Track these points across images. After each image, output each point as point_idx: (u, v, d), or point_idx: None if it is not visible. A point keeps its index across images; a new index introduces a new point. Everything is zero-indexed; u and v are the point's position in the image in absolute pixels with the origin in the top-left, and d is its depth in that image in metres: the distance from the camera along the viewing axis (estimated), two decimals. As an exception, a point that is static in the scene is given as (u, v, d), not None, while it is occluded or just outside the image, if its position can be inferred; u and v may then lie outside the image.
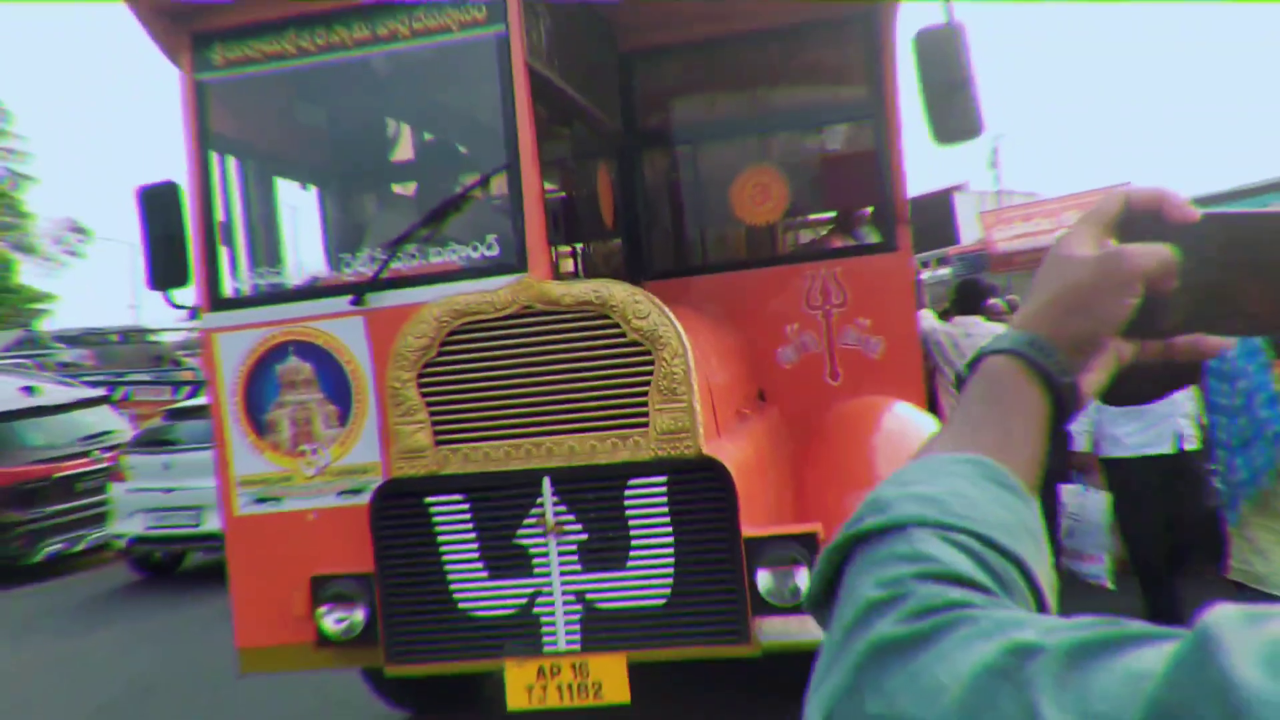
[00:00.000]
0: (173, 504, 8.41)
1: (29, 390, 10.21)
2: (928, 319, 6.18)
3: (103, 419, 10.47)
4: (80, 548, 9.71)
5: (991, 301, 7.18)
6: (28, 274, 32.98)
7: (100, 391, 11.73)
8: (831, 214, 6.10)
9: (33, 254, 32.37)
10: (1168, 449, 4.94)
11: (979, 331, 5.87)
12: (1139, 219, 0.74)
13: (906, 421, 4.65)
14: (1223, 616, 0.44)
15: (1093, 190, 20.41)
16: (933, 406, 5.72)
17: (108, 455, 10.03)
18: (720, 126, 5.38)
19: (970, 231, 26.42)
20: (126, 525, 8.76)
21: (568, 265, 5.79)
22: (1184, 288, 0.72)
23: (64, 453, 9.73)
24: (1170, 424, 4.96)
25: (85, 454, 9.82)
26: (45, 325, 39.45)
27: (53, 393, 10.59)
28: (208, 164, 3.88)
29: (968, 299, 6.21)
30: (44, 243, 32.92)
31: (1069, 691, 0.45)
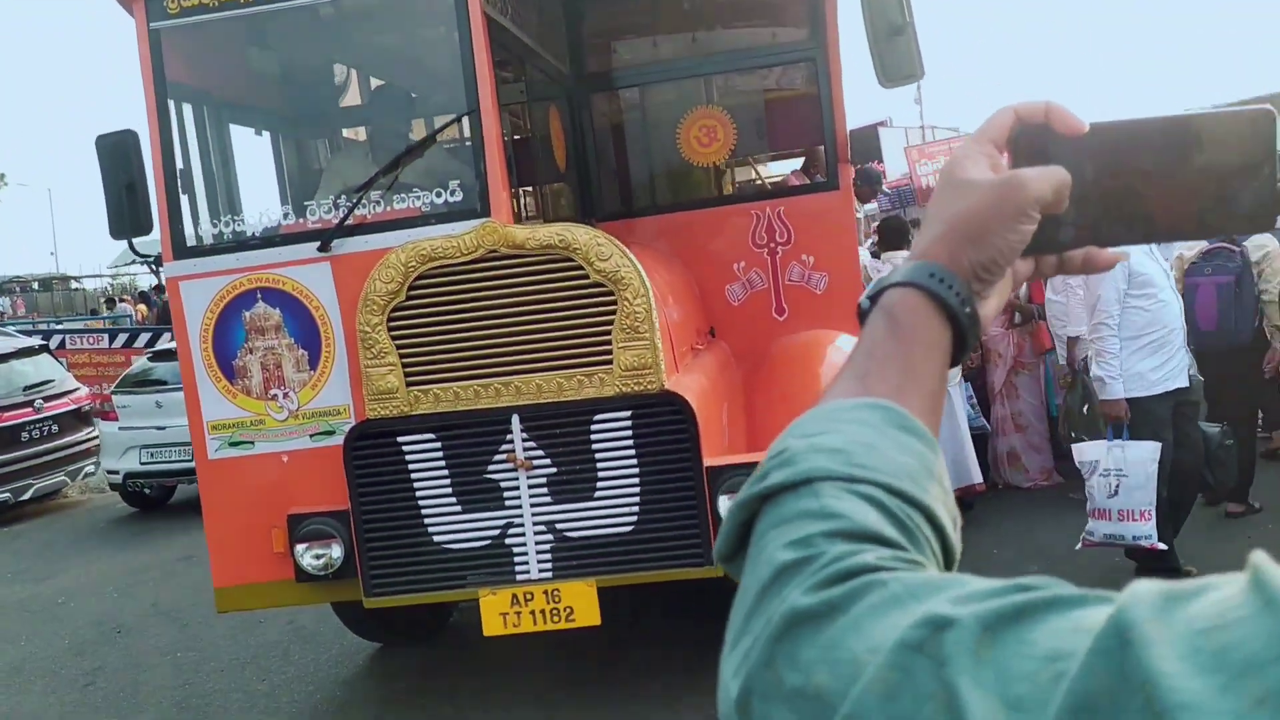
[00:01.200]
0: (165, 440, 8.64)
1: (-35, 341, 10.02)
2: (862, 255, 6.40)
3: (42, 368, 10.31)
4: (27, 496, 9.64)
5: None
6: (-59, 220, 31.86)
7: (38, 340, 11.52)
8: (785, 154, 6.27)
9: (-54, 199, 31.18)
10: (1184, 382, 4.74)
11: (909, 265, 6.12)
12: (1029, 134, 0.73)
13: (849, 352, 4.88)
14: (1140, 599, 0.43)
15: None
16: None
17: (49, 404, 9.93)
18: (666, 69, 5.48)
19: (896, 166, 26.82)
20: (119, 463, 9.03)
21: (522, 207, 5.88)
22: (1075, 200, 0.72)
23: (6, 403, 9.59)
24: (1184, 355, 4.83)
25: (29, 404, 9.70)
26: (-39, 274, 38.18)
27: (-11, 342, 10.41)
28: (166, 111, 3.89)
29: (894, 235, 6.45)
30: (-43, 188, 31.74)
31: (987, 669, 0.44)
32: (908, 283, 0.69)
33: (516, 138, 5.30)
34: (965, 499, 6.02)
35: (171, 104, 3.96)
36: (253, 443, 3.93)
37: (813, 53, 5.01)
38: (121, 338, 13.98)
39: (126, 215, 3.97)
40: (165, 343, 12.39)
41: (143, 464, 8.94)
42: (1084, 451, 4.73)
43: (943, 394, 0.68)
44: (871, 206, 27.21)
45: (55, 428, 9.91)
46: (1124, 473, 4.52)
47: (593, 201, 5.31)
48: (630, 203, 5.56)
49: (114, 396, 9.46)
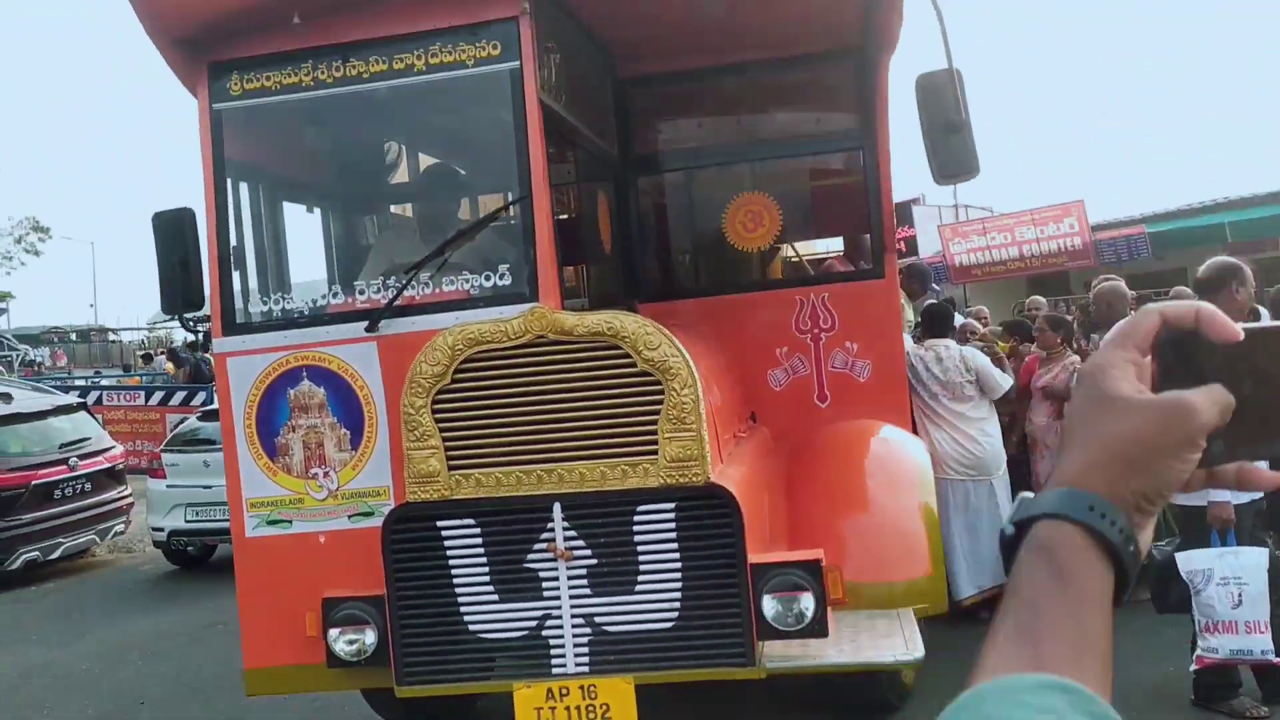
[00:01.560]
0: (211, 500, 8.69)
1: (5, 397, 10.12)
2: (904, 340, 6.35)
3: (79, 426, 10.39)
4: (56, 555, 9.64)
5: (964, 323, 7.37)
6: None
7: (75, 398, 11.64)
8: (834, 240, 6.28)
9: (-8, 252, 31.87)
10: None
11: (951, 355, 6.04)
12: (1176, 339, 0.69)
13: (893, 445, 4.81)
14: None
15: (1046, 206, 20.86)
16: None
17: (84, 462, 9.98)
18: (714, 153, 5.51)
19: (929, 243, 26.85)
20: (165, 520, 9.14)
21: (564, 286, 5.90)
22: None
23: (41, 460, 9.65)
24: None
25: (63, 461, 9.76)
26: (1, 323, 38.88)
27: (28, 399, 10.50)
28: (224, 190, 3.94)
29: (937, 322, 6.38)
30: (3, 242, 32.45)
31: None
32: (1063, 516, 0.64)
33: (563, 217, 5.33)
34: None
35: (229, 182, 4.01)
36: (290, 522, 3.90)
37: (861, 141, 5.03)
38: (158, 395, 14.11)
39: (180, 291, 4.00)
40: (202, 401, 12.54)
41: (188, 522, 9.05)
42: (1193, 560, 4.39)
43: (1112, 654, 0.63)
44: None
45: (88, 486, 9.95)
46: (1244, 580, 4.25)
47: (637, 282, 5.32)
48: (674, 284, 5.56)
49: (163, 454, 9.63)
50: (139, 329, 41.12)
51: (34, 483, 9.43)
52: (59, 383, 17.04)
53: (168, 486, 9.22)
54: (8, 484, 9.29)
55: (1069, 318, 8.43)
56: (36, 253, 33.25)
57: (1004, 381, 6.02)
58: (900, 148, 4.93)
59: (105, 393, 14.43)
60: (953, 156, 3.86)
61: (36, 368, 30.83)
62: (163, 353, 28.03)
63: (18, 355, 30.38)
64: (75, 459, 9.89)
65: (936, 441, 5.91)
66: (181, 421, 13.60)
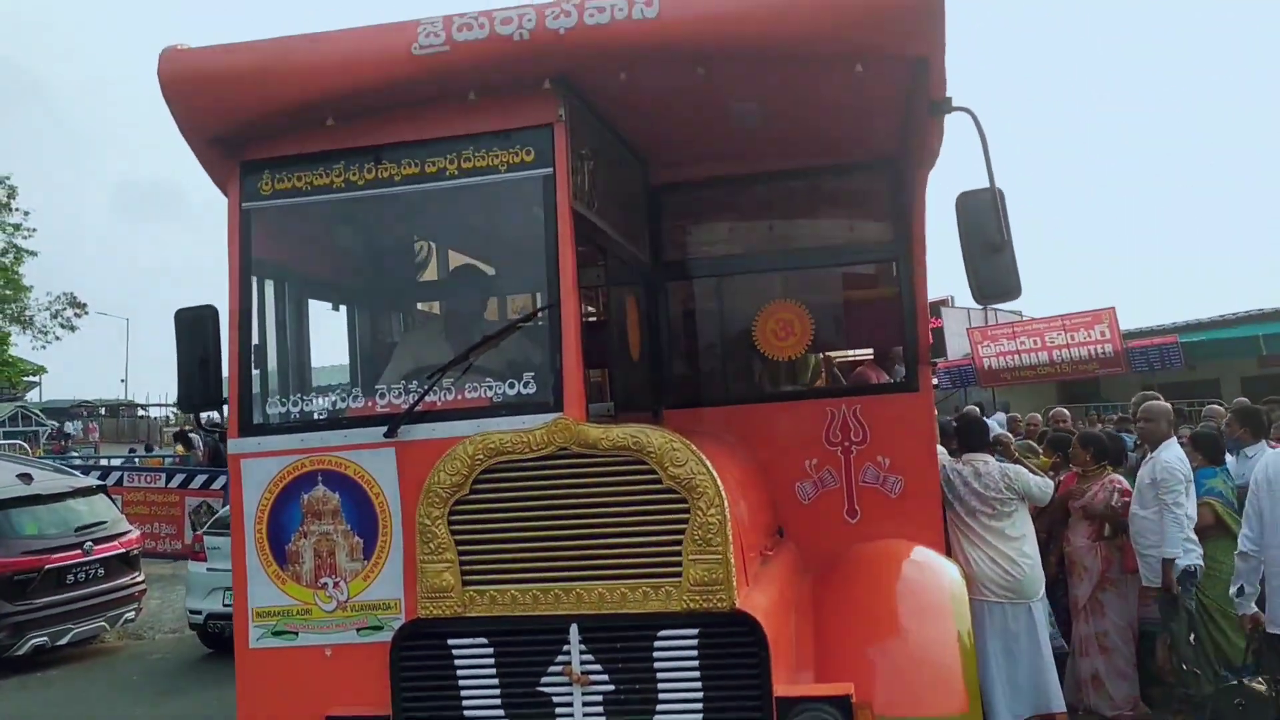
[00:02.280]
0: None
1: (26, 478, 10.08)
2: (940, 455, 6.18)
3: (97, 509, 10.33)
4: (65, 641, 9.48)
5: (998, 434, 7.19)
6: (19, 347, 32.88)
7: (95, 480, 11.59)
8: (864, 351, 6.17)
9: (28, 328, 32.28)
10: None
11: (990, 470, 5.87)
12: None
13: (926, 568, 4.61)
14: None
15: (1077, 313, 20.77)
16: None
17: (99, 547, 9.88)
18: (746, 260, 5.44)
19: (958, 345, 26.73)
20: (203, 603, 9.16)
21: (591, 387, 5.81)
22: None
23: (56, 544, 9.57)
24: None
25: (78, 546, 9.66)
26: (33, 397, 39.29)
27: (48, 480, 10.46)
28: (249, 290, 3.89)
29: (973, 435, 6.21)
30: (41, 316, 32.89)
31: None
32: None
33: (592, 321, 5.26)
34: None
35: (254, 280, 3.97)
36: (297, 634, 3.75)
37: (896, 252, 4.95)
38: (178, 478, 14.06)
39: (199, 389, 3.93)
40: (222, 485, 12.48)
41: (225, 605, 8.95)
42: None
43: None
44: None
45: (102, 571, 9.84)
46: None
47: (665, 388, 5.21)
48: (703, 391, 5.45)
49: (205, 537, 9.61)
50: (166, 405, 41.40)
51: (47, 566, 9.34)
52: (83, 460, 17.06)
53: (208, 569, 9.20)
54: (21, 567, 9.20)
55: (1100, 429, 8.24)
56: (72, 328, 33.64)
57: (1046, 486, 5.87)
58: (930, 247, 4.86)
59: (126, 473, 14.39)
60: (994, 277, 3.76)
61: (68, 441, 31.03)
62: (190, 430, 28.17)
63: (44, 430, 30.59)
64: (90, 543, 9.79)
65: (973, 561, 5.70)
66: (201, 505, 13.55)
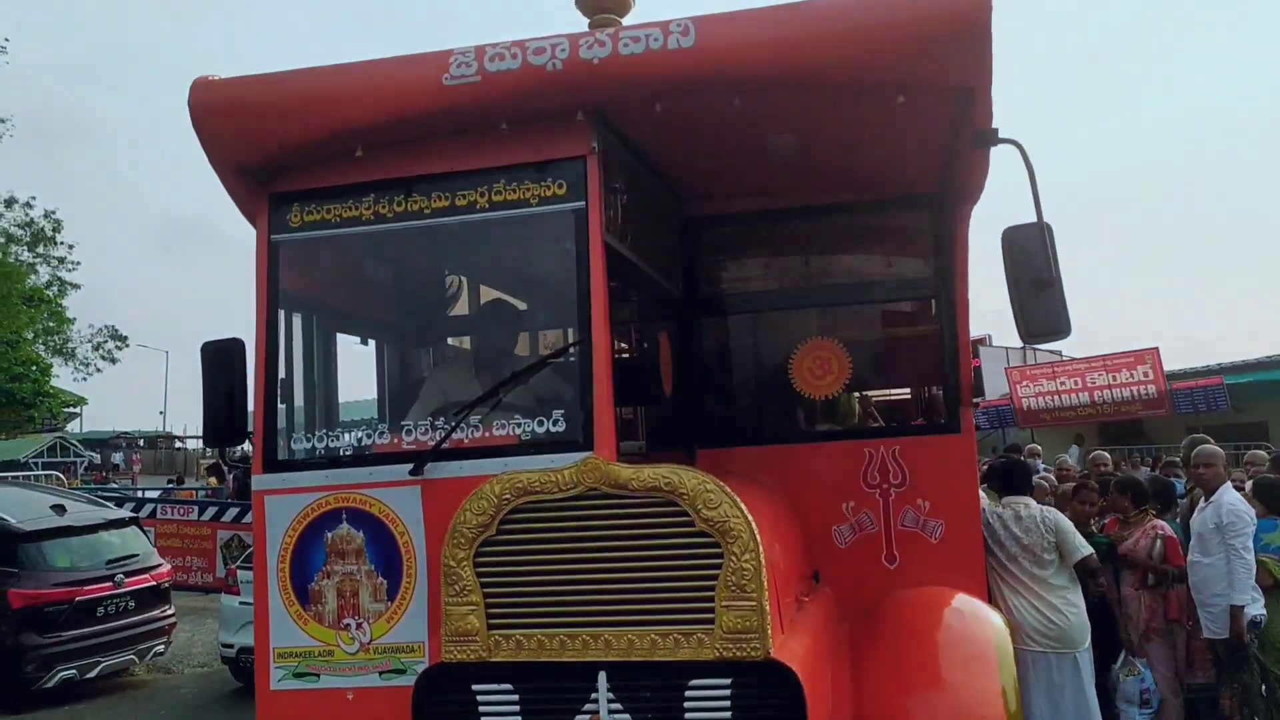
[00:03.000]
0: None
1: (59, 509, 10.11)
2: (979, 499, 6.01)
3: (129, 542, 10.33)
4: (93, 674, 9.44)
5: (1040, 478, 6.99)
6: (61, 378, 33.37)
7: (128, 512, 11.62)
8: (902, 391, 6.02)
9: (70, 359, 32.78)
10: None
11: (1031, 514, 5.68)
12: None
13: (969, 617, 4.43)
14: None
15: (1119, 353, 20.43)
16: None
17: (130, 579, 9.87)
18: (782, 296, 5.34)
19: (996, 385, 26.41)
20: (235, 636, 9.08)
21: (622, 424, 5.71)
22: None
23: (87, 576, 9.57)
24: None
25: (110, 578, 9.65)
26: (73, 428, 39.81)
27: (81, 511, 10.49)
28: (275, 323, 3.84)
29: (1013, 479, 6.03)
30: (83, 348, 33.39)
31: None
32: None
33: (623, 358, 5.17)
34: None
35: (282, 313, 3.92)
36: (318, 675, 3.65)
37: (937, 290, 4.82)
38: (210, 511, 14.08)
39: (224, 423, 3.87)
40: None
41: None
42: None
43: None
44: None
45: (132, 604, 9.82)
46: None
47: (698, 427, 5.10)
48: (737, 430, 5.33)
49: (238, 571, 9.58)
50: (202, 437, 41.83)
51: (78, 599, 9.33)
52: (120, 491, 17.15)
53: (240, 603, 9.15)
54: (52, 599, 9.20)
55: (1143, 476, 8.01)
56: (113, 360, 34.11)
57: (1082, 548, 5.62)
58: (987, 298, 4.73)
59: (160, 506, 14.45)
60: (1041, 315, 3.63)
61: (113, 472, 31.37)
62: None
63: (82, 461, 30.93)
64: (121, 575, 9.78)
65: (1015, 609, 5.50)
66: (232, 538, 13.56)
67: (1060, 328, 3.64)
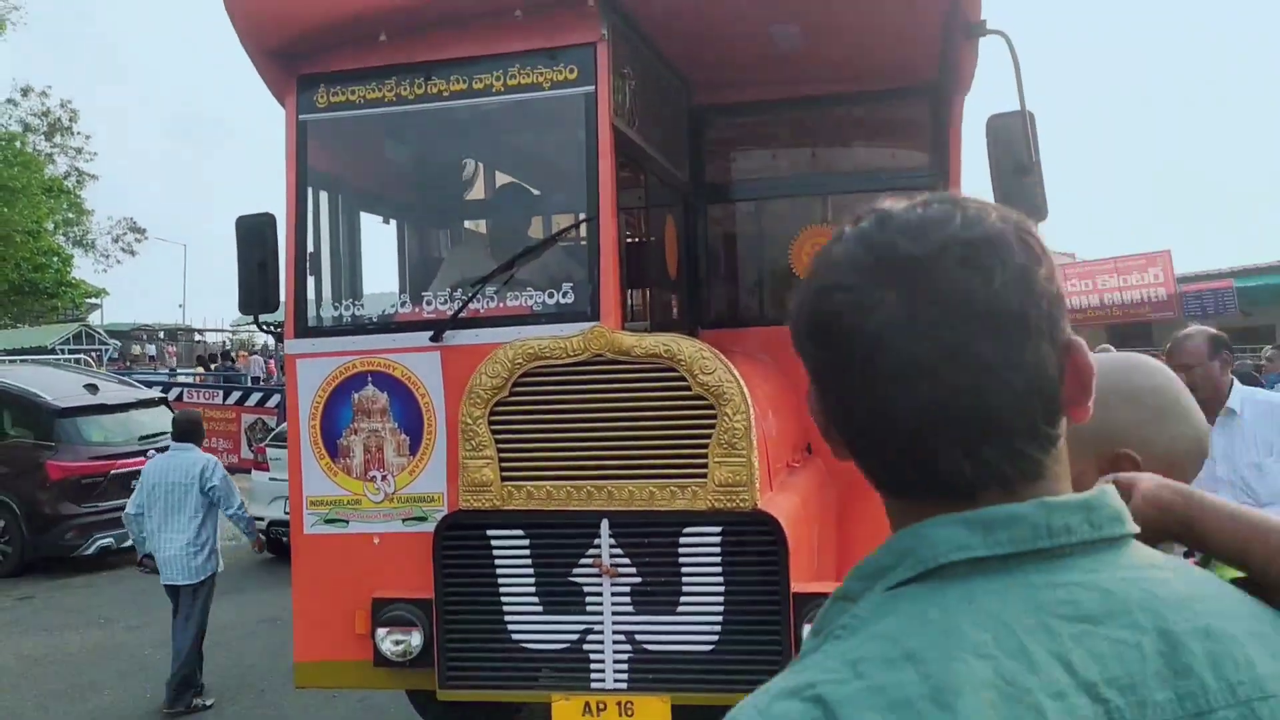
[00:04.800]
0: None
1: (92, 388, 10.52)
2: None
3: (159, 420, 10.74)
4: (129, 543, 9.95)
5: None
6: (81, 269, 33.77)
7: (157, 393, 12.04)
8: None
9: (90, 251, 33.12)
10: None
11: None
12: None
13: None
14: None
15: (1130, 255, 20.43)
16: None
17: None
18: (784, 184, 5.54)
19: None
20: (266, 510, 9.53)
21: (629, 310, 5.98)
22: None
23: (121, 450, 10.01)
24: None
25: (142, 453, 10.08)
26: (94, 319, 40.32)
27: (112, 390, 10.91)
28: (305, 198, 4.10)
29: None
30: (102, 240, 33.70)
31: None
32: None
33: (631, 240, 5.40)
34: None
35: (310, 190, 4.17)
36: (347, 521, 4.01)
37: (933, 179, 5.02)
38: (235, 395, 14.52)
39: (257, 293, 4.16)
40: (277, 403, 12.88)
41: (286, 513, 9.37)
42: None
43: None
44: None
45: (164, 478, 10.27)
46: None
47: (701, 308, 5.36)
48: (738, 312, 5.59)
49: (267, 449, 10.08)
50: (223, 330, 42.29)
51: (113, 471, 9.79)
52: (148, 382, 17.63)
53: (270, 479, 9.63)
54: (89, 471, 9.65)
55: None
56: (132, 252, 34.42)
57: None
58: (975, 187, 4.92)
59: (185, 390, 14.89)
60: (1021, 199, 3.84)
61: (132, 362, 31.95)
62: (242, 355, 28.90)
63: (107, 350, 31.46)
64: (154, 451, 10.22)
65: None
66: (256, 421, 14.02)
67: (1039, 210, 3.86)
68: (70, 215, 32.10)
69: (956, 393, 0.76)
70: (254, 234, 4.18)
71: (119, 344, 35.30)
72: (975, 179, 4.63)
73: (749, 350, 4.95)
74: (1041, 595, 0.75)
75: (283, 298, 4.19)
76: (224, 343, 39.85)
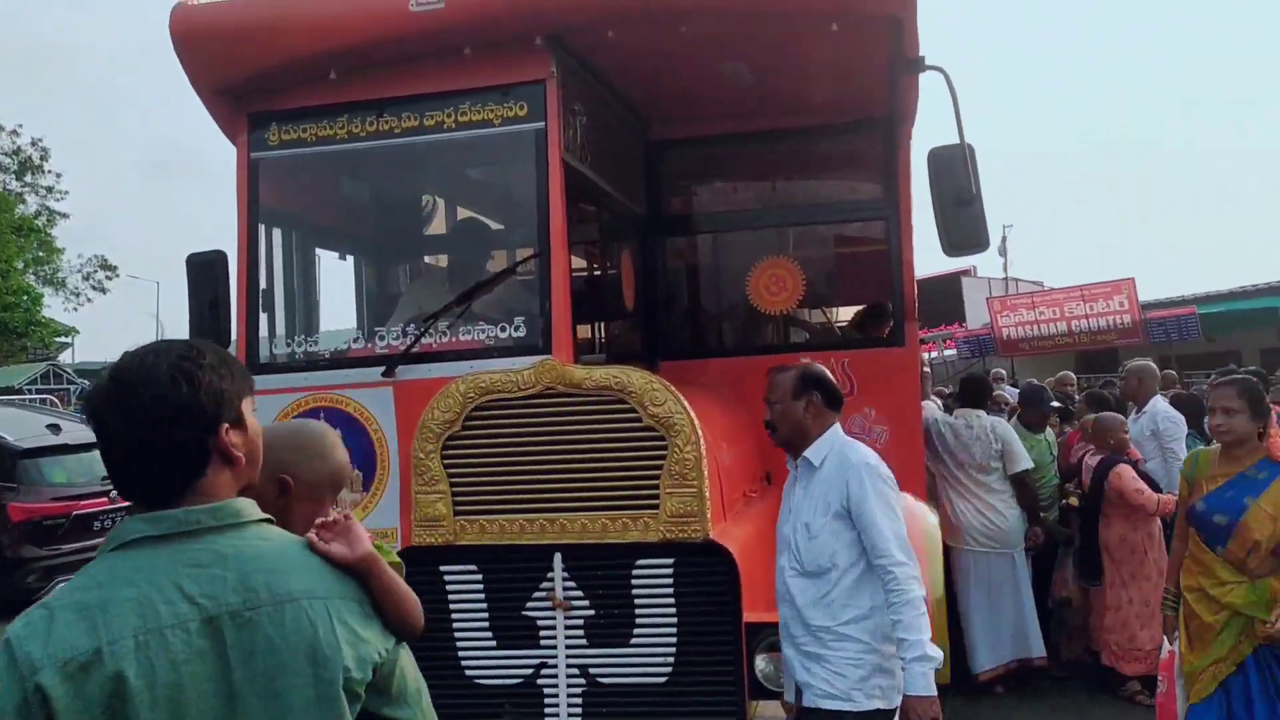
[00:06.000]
0: None
1: (54, 428, 10.41)
2: (930, 409, 6.33)
3: (123, 459, 10.66)
4: (91, 586, 9.84)
5: (996, 394, 7.33)
6: (52, 308, 33.50)
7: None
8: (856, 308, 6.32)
9: (60, 289, 32.90)
10: None
11: (980, 424, 6.02)
12: None
13: (906, 512, 4.75)
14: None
15: (1096, 283, 20.69)
16: (932, 496, 5.86)
17: (125, 495, 10.20)
18: (740, 217, 5.61)
19: (977, 315, 26.71)
20: None
21: (586, 336, 6.01)
22: None
23: (84, 491, 9.89)
24: None
25: (105, 494, 9.98)
26: (65, 358, 39.95)
27: (76, 431, 10.78)
28: (256, 236, 4.11)
29: (972, 393, 6.37)
30: (73, 278, 33.48)
31: None
32: None
33: (587, 275, 5.44)
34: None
35: (262, 227, 4.19)
36: (300, 559, 3.98)
37: (885, 211, 5.09)
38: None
39: (209, 331, 4.15)
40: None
41: None
42: None
43: None
44: (951, 353, 26.91)
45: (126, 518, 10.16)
46: None
47: (660, 341, 5.39)
48: (697, 344, 5.63)
49: None
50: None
51: (75, 513, 9.66)
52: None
53: None
54: (51, 513, 9.52)
55: (1110, 394, 8.35)
56: (103, 290, 34.20)
57: (1024, 461, 5.98)
58: (926, 218, 4.99)
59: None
60: (962, 229, 3.90)
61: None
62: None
63: (76, 388, 31.17)
64: (115, 491, 10.12)
65: (961, 513, 5.88)
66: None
67: (980, 241, 3.93)
68: (40, 254, 31.91)
69: (130, 456, 1.56)
70: (205, 271, 4.19)
71: (89, 384, 34.96)
72: (927, 210, 4.70)
73: (710, 381, 4.98)
74: (179, 555, 1.51)
75: (235, 335, 4.19)
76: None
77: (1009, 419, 6.73)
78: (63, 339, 38.16)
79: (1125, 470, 5.64)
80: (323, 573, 1.63)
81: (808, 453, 3.47)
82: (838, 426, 3.51)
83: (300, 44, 3.86)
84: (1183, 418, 6.22)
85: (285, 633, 1.53)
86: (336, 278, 4.90)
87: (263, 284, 4.17)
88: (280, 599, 1.54)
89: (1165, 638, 4.16)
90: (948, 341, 26.24)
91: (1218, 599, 3.86)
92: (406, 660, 1.75)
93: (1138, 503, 5.54)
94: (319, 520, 1.75)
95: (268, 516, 1.66)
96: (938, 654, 3.16)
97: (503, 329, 3.92)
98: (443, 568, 3.72)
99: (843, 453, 3.43)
